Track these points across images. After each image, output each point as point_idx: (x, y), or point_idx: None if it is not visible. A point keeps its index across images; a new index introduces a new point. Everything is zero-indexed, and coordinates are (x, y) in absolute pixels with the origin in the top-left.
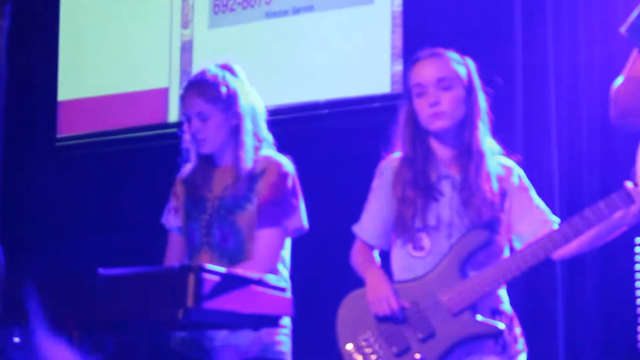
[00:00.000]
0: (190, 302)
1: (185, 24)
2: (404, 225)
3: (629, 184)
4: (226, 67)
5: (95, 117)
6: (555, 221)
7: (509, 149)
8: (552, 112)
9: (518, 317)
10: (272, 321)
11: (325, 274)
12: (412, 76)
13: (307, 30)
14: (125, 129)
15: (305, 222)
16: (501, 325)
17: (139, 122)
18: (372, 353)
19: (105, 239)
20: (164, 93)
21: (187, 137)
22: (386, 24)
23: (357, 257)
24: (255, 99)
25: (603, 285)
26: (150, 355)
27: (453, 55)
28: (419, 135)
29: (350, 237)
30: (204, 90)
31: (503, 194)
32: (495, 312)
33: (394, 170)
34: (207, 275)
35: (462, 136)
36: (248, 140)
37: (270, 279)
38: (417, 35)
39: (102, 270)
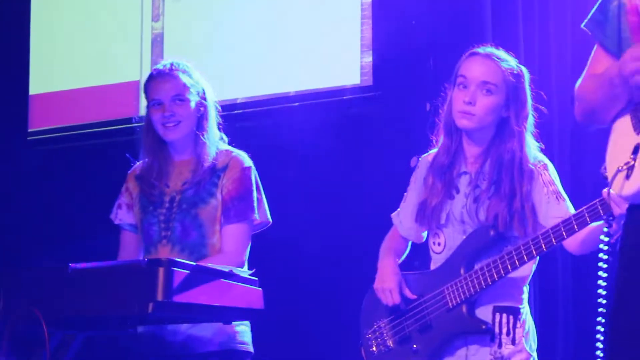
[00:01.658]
0: (160, 295)
1: (156, 17)
2: (424, 214)
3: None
4: (187, 65)
5: (66, 111)
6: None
7: None
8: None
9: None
10: (243, 314)
11: (293, 267)
12: (462, 67)
13: (278, 21)
14: (97, 122)
15: (269, 217)
16: (488, 324)
17: (110, 115)
18: (380, 339)
19: (76, 233)
20: (135, 86)
21: (145, 125)
22: (356, 15)
23: (384, 243)
24: (213, 95)
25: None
26: (113, 352)
27: (508, 60)
28: (455, 125)
29: (322, 229)
30: (180, 74)
31: (526, 200)
32: (498, 310)
33: (428, 164)
34: (176, 269)
35: (492, 139)
36: (211, 131)
37: (241, 272)
38: (386, 26)
39: (73, 264)
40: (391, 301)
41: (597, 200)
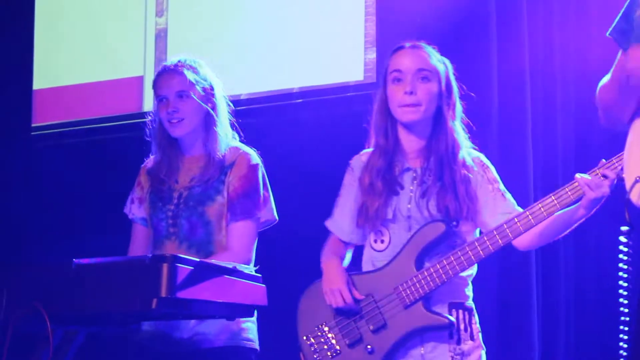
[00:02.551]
0: (163, 291)
1: (159, 13)
2: (367, 216)
3: (577, 175)
4: (196, 60)
5: (70, 106)
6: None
7: (483, 145)
8: (528, 104)
9: (490, 312)
10: (247, 310)
11: (297, 265)
12: (392, 63)
13: (281, 18)
14: (100, 117)
15: (275, 214)
16: (451, 318)
17: (114, 111)
18: (325, 343)
19: (79, 228)
20: (139, 81)
21: (156, 121)
22: (360, 11)
23: (324, 249)
24: (223, 91)
25: (577, 279)
26: (120, 348)
27: (434, 51)
28: (391, 123)
29: (324, 227)
30: (185, 69)
31: (468, 185)
32: (454, 307)
33: (362, 164)
34: (180, 265)
35: (432, 130)
36: (221, 128)
37: (244, 268)
38: (390, 23)
39: (76, 260)
40: (342, 302)
41: (567, 186)
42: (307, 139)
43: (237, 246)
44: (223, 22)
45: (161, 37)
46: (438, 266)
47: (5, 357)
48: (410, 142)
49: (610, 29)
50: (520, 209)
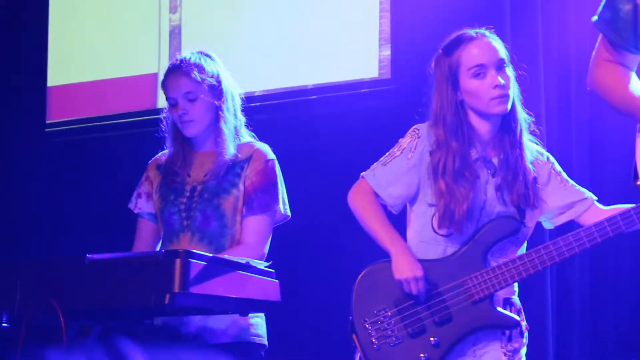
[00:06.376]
0: (177, 287)
1: (173, 9)
2: (452, 219)
3: None
4: (203, 53)
5: (84, 103)
6: (591, 196)
7: None
8: (542, 103)
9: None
10: (260, 305)
11: (313, 261)
12: (467, 57)
13: (296, 14)
14: (115, 114)
15: (289, 211)
16: (517, 317)
17: (128, 107)
18: (385, 329)
19: (93, 225)
20: (153, 78)
21: (170, 118)
22: (374, 8)
23: (370, 208)
24: (234, 84)
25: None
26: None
27: (495, 36)
28: (462, 117)
29: (339, 222)
30: (190, 70)
31: (535, 178)
32: (507, 303)
33: (430, 140)
34: (193, 260)
35: (503, 118)
36: (230, 123)
37: (257, 263)
38: (405, 20)
39: (89, 255)
40: (416, 292)
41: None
42: (322, 135)
43: (253, 241)
44: (237, 18)
45: (175, 33)
46: (511, 265)
47: (20, 353)
48: (486, 132)
49: (595, 18)
50: (590, 194)
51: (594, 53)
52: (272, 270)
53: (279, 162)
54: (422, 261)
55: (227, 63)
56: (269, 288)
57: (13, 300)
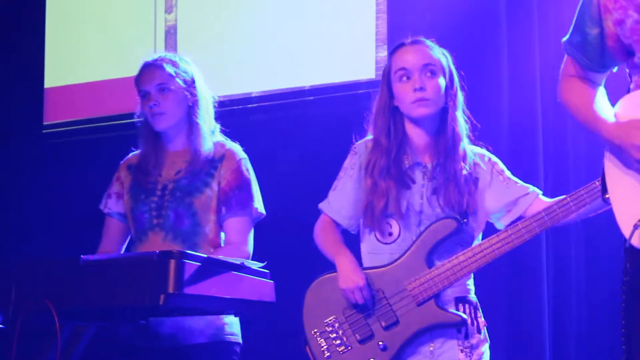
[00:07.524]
0: (171, 287)
1: (169, 9)
2: (373, 215)
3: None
4: (180, 56)
5: (81, 104)
6: (535, 190)
7: (494, 145)
8: (538, 103)
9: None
10: (255, 306)
11: (307, 262)
12: (396, 61)
13: (292, 15)
14: (112, 115)
15: (264, 209)
16: (464, 315)
17: (124, 108)
18: (335, 338)
19: (90, 226)
20: None
21: (142, 116)
22: (371, 10)
23: (324, 234)
24: (208, 90)
25: (588, 277)
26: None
27: (434, 44)
28: (394, 121)
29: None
30: (164, 63)
31: (475, 181)
32: (460, 301)
33: (368, 152)
34: (188, 261)
35: (439, 124)
36: (204, 122)
37: (252, 264)
38: (401, 21)
39: (84, 256)
40: (361, 300)
41: (598, 179)
42: (318, 136)
43: (238, 240)
44: (233, 19)
45: (171, 34)
46: (449, 264)
47: (15, 353)
48: (419, 137)
49: (565, 40)
50: (534, 188)
51: (562, 66)
52: (267, 271)
53: (276, 163)
54: (367, 269)
55: (223, 63)
56: (264, 289)
57: (8, 301)
